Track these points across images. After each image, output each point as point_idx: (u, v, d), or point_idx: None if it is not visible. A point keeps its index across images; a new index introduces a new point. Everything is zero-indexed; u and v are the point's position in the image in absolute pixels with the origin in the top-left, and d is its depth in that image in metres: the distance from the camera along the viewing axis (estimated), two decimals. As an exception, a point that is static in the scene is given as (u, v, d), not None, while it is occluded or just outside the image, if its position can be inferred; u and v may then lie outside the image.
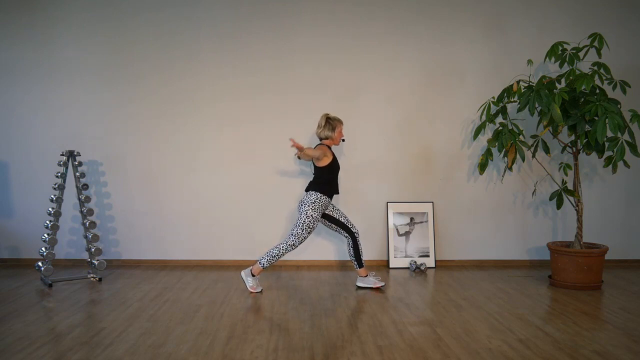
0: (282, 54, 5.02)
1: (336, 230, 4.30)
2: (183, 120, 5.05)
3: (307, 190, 4.17)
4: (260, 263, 4.08)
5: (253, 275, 4.10)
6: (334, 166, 4.17)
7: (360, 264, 4.25)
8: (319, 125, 4.21)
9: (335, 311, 3.63)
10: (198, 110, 5.04)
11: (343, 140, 4.34)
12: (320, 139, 4.24)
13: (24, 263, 5.07)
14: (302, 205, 4.10)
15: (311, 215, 4.06)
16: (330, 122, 4.18)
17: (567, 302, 3.89)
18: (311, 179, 4.24)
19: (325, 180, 4.14)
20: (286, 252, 4.09)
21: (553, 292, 4.18)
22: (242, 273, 4.13)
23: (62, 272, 4.72)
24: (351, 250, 4.26)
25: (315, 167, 4.19)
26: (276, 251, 4.07)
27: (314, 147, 4.33)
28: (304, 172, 5.05)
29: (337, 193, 4.25)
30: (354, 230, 4.26)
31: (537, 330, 3.25)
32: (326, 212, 4.23)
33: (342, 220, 4.25)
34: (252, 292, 4.07)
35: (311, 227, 4.08)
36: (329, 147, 4.21)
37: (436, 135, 5.11)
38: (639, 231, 5.20)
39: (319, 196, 4.08)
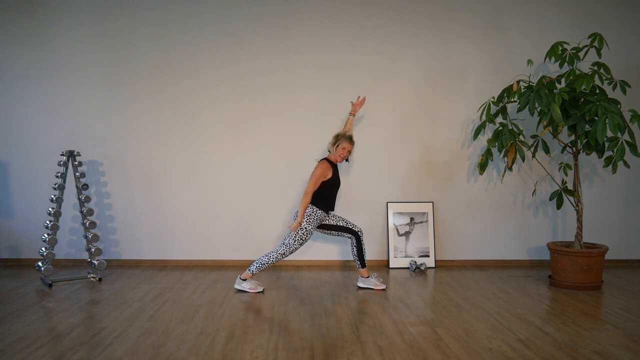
0: (282, 54, 5.01)
1: (338, 235, 4.28)
2: (183, 121, 5.04)
3: None
4: (249, 270, 4.10)
5: (244, 280, 4.10)
6: (333, 182, 4.14)
7: (362, 264, 4.24)
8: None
9: (335, 311, 3.63)
10: (198, 110, 5.04)
11: (347, 160, 4.31)
12: (329, 151, 4.21)
13: (24, 263, 5.07)
14: (297, 217, 4.10)
15: (305, 228, 4.06)
16: (336, 138, 4.15)
17: (567, 302, 3.89)
18: None
19: (322, 195, 4.11)
20: (276, 261, 4.10)
21: (553, 292, 4.18)
22: (235, 285, 4.13)
23: (62, 272, 4.72)
24: (354, 249, 4.23)
25: None
26: (266, 259, 4.09)
27: (321, 159, 4.22)
28: (304, 173, 5.04)
29: (332, 210, 4.21)
30: (356, 230, 4.24)
31: (537, 330, 3.25)
32: (323, 223, 4.21)
33: (342, 224, 4.23)
34: (254, 293, 4.07)
35: (304, 239, 4.08)
36: (333, 164, 4.17)
37: (436, 135, 5.11)
38: (639, 231, 5.20)
39: (314, 210, 4.07)
